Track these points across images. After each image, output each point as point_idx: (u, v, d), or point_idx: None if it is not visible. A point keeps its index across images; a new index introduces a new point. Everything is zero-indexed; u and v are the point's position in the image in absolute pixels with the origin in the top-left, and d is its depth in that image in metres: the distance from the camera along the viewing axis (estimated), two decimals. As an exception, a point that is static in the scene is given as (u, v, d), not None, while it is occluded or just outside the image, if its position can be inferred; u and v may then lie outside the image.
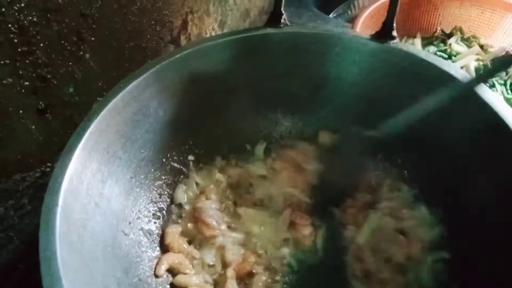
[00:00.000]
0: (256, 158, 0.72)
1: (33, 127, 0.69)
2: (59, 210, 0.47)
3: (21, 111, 0.60)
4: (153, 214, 0.64)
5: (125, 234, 0.58)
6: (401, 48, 0.64)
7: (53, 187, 0.48)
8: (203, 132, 0.69)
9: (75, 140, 0.52)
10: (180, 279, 0.60)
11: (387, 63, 0.65)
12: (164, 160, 0.66)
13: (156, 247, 0.62)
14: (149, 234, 0.62)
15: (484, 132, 0.56)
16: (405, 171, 0.69)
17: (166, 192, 0.67)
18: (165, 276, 0.60)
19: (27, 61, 0.58)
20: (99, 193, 0.55)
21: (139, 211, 0.61)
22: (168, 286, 0.59)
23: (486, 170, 0.57)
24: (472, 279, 0.56)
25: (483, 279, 0.55)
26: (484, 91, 0.57)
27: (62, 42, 0.62)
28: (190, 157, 0.69)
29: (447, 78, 0.59)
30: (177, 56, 0.62)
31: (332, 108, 0.70)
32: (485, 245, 0.55)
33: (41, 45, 0.61)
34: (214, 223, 0.63)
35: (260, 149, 0.73)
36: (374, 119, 0.67)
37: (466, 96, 0.58)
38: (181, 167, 0.69)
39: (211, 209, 0.65)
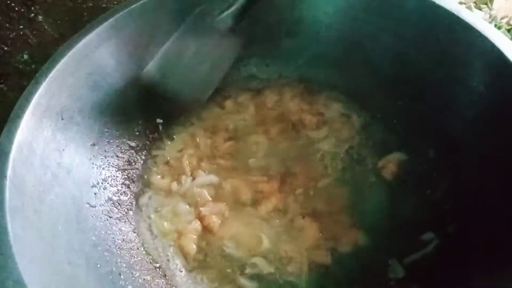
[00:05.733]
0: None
1: (-14, 99, 0.64)
2: (7, 182, 0.43)
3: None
4: (123, 183, 0.59)
5: (91, 206, 0.54)
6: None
7: (-1, 158, 0.44)
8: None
9: (22, 105, 0.47)
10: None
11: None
12: (129, 124, 0.61)
13: (127, 218, 0.57)
14: (119, 204, 0.57)
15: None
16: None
17: (136, 159, 0.62)
18: (137, 248, 0.56)
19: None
20: (57, 163, 0.50)
21: (105, 181, 0.57)
22: (139, 258, 0.55)
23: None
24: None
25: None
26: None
27: (8, 1, 0.56)
28: (159, 120, 0.64)
29: (436, 9, 0.53)
30: (134, 6, 0.55)
31: (309, 55, 0.64)
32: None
33: (-18, 5, 0.55)
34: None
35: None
36: (356, 64, 0.63)
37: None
38: (150, 130, 0.64)
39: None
